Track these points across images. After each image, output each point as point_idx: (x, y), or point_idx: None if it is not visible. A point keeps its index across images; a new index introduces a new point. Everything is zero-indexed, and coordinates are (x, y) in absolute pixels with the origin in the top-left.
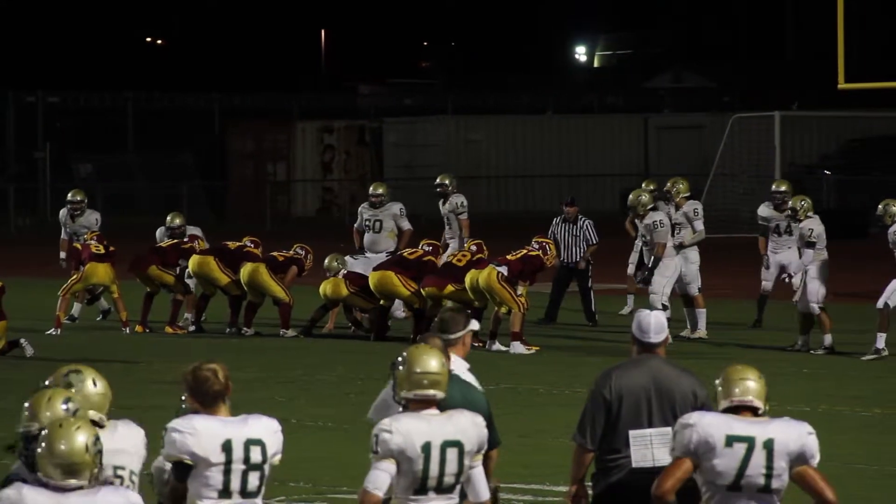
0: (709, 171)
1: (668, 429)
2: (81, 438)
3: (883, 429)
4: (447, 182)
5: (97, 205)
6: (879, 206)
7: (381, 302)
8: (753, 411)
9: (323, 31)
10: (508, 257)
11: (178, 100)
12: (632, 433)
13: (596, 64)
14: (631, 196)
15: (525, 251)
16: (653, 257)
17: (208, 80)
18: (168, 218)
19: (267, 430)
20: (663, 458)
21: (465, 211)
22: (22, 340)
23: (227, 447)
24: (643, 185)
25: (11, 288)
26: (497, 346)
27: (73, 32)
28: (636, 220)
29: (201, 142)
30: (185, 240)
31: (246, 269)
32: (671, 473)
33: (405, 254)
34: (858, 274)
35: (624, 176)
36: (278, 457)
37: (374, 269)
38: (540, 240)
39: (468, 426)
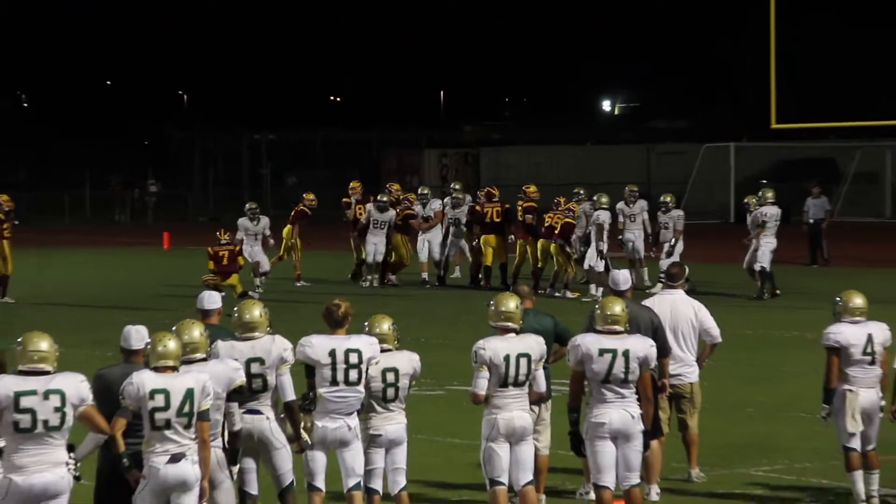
0: (688, 182)
1: None
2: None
3: None
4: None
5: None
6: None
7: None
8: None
9: (442, 92)
10: (556, 231)
11: (351, 134)
12: None
13: (616, 112)
14: (664, 197)
15: (565, 220)
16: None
17: (368, 119)
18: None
19: (364, 343)
20: None
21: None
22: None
23: (332, 354)
24: (627, 188)
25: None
26: (557, 293)
27: (280, 83)
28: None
29: (364, 162)
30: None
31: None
32: (576, 384)
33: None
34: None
35: (633, 183)
36: (376, 359)
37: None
38: (568, 206)
39: (534, 344)
